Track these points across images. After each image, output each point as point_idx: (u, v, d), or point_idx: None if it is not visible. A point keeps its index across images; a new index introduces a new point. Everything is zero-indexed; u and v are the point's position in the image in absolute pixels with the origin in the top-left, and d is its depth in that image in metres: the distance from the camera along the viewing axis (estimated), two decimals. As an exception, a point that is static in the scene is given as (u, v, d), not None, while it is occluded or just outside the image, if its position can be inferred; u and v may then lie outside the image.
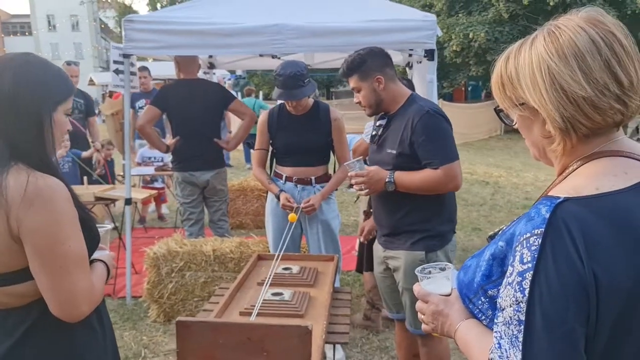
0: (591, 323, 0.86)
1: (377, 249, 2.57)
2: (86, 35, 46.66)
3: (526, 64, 0.97)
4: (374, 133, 2.49)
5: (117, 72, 3.93)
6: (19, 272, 1.27)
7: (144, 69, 6.29)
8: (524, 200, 7.47)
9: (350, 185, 2.47)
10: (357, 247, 4.06)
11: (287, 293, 2.20)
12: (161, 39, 3.70)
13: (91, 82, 23.65)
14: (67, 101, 1.38)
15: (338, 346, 3.16)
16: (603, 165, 0.95)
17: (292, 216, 2.62)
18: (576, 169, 0.98)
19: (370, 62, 2.36)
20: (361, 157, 2.46)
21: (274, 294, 2.18)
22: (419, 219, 2.35)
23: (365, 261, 3.58)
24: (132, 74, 4.13)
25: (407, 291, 2.38)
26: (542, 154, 1.06)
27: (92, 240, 1.40)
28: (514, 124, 1.07)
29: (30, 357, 1.31)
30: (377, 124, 2.47)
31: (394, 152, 2.32)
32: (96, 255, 1.47)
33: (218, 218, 4.26)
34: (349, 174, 2.38)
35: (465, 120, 14.71)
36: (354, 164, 2.36)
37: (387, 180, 2.29)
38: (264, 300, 2.12)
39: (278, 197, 3.16)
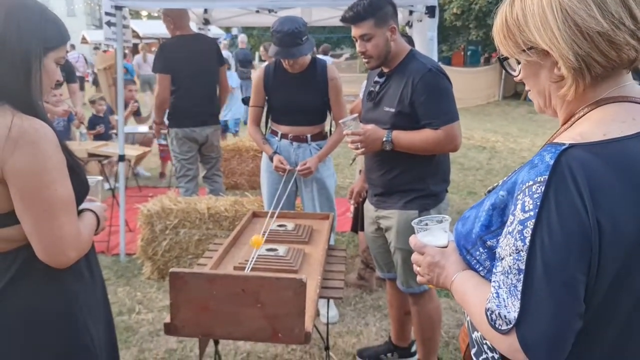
0: (592, 272, 0.84)
1: (369, 208, 2.53)
2: (78, -9, 45.38)
3: (535, 3, 0.92)
4: (370, 89, 2.39)
5: (109, 24, 3.81)
6: (4, 216, 1.25)
7: None
8: (520, 165, 7.45)
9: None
10: (351, 209, 4.05)
11: (281, 249, 2.18)
12: (154, -10, 3.59)
13: (84, 40, 23.17)
14: (59, 49, 1.35)
15: (332, 304, 3.18)
16: (611, 112, 0.92)
17: (255, 240, 2.11)
18: (582, 115, 0.94)
19: (386, 8, 2.22)
20: (357, 114, 2.37)
21: (269, 250, 2.16)
22: (414, 178, 2.31)
23: (360, 221, 3.58)
24: (125, 27, 4.01)
25: (399, 251, 2.37)
26: (548, 103, 1.02)
27: (81, 189, 1.37)
28: (517, 73, 1.03)
29: (17, 305, 1.29)
30: (375, 80, 2.38)
31: (392, 110, 2.25)
32: (86, 205, 1.44)
33: (212, 173, 4.34)
34: (344, 132, 2.30)
35: (463, 85, 14.52)
36: (349, 122, 2.28)
37: (384, 139, 2.23)
38: (258, 255, 2.10)
39: (272, 159, 3.11)
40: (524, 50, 0.96)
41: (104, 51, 11.81)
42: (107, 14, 3.74)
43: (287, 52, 2.91)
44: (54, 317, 1.32)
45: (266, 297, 1.59)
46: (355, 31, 2.25)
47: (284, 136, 3.15)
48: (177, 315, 1.66)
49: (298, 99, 3.09)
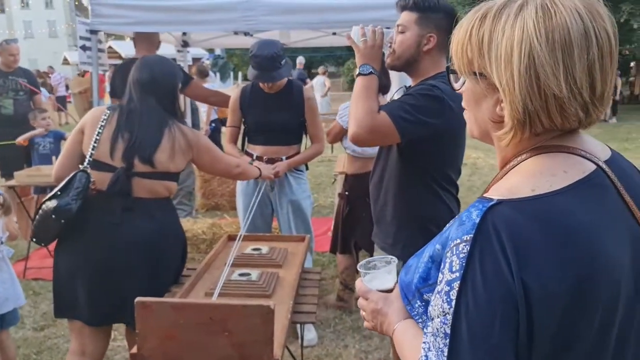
0: (522, 334, 0.79)
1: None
2: (60, 12, 45.37)
3: (506, 34, 0.82)
4: None
5: (84, 48, 3.81)
6: (175, 174, 2.25)
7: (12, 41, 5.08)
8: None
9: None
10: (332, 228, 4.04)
11: (254, 273, 2.16)
12: (130, 14, 3.61)
13: (65, 61, 23.10)
14: (180, 79, 2.44)
15: (310, 326, 3.16)
16: (543, 163, 0.87)
17: None
18: (515, 165, 0.90)
19: (438, 14, 1.91)
20: (363, 26, 1.97)
21: (241, 274, 2.15)
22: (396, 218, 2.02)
23: (340, 241, 3.57)
24: (100, 51, 4.00)
25: None
26: (483, 133, 0.95)
27: None
28: (458, 87, 0.95)
29: (167, 228, 2.26)
30: (393, 98, 2.11)
31: None
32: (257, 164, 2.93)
33: (178, 201, 4.18)
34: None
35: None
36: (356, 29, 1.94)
37: (365, 65, 1.89)
38: (229, 280, 2.09)
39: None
40: (474, 74, 0.88)
41: (79, 74, 11.62)
42: (81, 38, 3.74)
43: (267, 76, 2.98)
44: (178, 239, 2.36)
45: (234, 325, 1.57)
46: (400, 17, 1.98)
47: (259, 158, 3.15)
48: (144, 345, 1.63)
49: (274, 118, 3.11)
